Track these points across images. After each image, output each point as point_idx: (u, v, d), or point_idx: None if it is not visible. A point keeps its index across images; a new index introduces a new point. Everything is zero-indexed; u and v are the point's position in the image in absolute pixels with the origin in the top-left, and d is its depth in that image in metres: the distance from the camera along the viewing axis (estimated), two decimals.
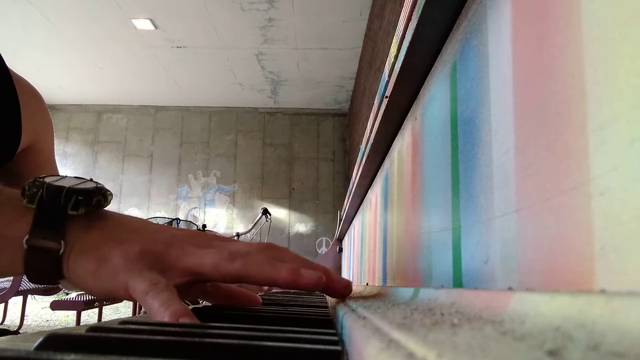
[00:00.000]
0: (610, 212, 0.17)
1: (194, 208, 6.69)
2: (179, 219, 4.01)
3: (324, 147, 6.77)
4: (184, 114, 6.94)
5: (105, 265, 0.34)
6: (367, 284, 0.91)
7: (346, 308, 0.36)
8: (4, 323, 3.77)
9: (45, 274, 0.34)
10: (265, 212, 4.04)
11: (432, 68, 0.46)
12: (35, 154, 0.66)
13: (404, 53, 0.45)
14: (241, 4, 4.40)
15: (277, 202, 6.60)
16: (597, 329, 0.13)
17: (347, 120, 6.81)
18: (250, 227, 4.16)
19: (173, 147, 6.86)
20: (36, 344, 0.22)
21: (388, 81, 0.54)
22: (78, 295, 3.13)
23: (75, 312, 3.02)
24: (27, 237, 0.33)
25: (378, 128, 0.65)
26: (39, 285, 3.18)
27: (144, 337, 0.23)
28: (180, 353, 0.22)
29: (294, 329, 0.30)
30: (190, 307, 0.53)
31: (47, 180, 0.35)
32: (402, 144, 0.61)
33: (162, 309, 0.32)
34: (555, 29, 0.22)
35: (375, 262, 0.86)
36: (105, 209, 0.38)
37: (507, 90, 0.27)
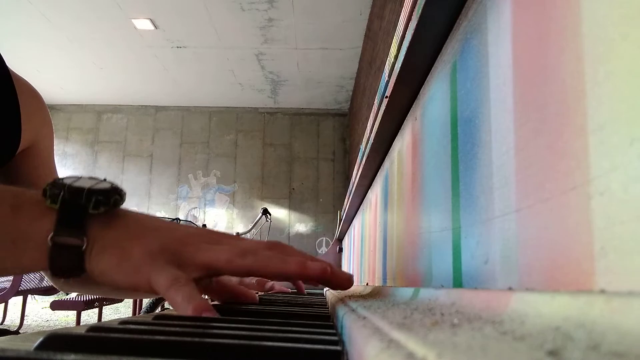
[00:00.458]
0: (610, 212, 0.17)
1: (194, 208, 6.69)
2: (179, 219, 4.01)
3: (324, 147, 6.76)
4: (184, 114, 6.94)
5: (128, 259, 0.37)
6: (367, 284, 0.91)
7: (346, 308, 0.36)
8: (4, 323, 3.77)
9: (68, 268, 0.36)
10: (265, 212, 4.04)
11: (432, 68, 0.46)
12: (34, 154, 0.66)
13: (404, 53, 0.45)
14: (241, 4, 4.40)
15: (277, 202, 6.60)
16: (597, 329, 0.13)
17: (347, 120, 6.81)
18: (250, 227, 4.16)
19: (173, 147, 6.85)
20: (36, 344, 0.22)
21: (388, 81, 0.54)
22: (78, 295, 3.13)
23: (75, 312, 3.02)
24: (51, 234, 0.35)
25: (378, 128, 0.65)
26: (39, 285, 3.18)
27: (144, 337, 0.23)
28: (180, 353, 0.22)
29: (294, 329, 0.30)
30: None
31: (67, 181, 0.38)
32: (402, 144, 0.61)
33: (185, 303, 0.35)
34: (555, 29, 0.22)
35: (375, 262, 0.86)
36: (121, 207, 0.40)
37: (507, 90, 0.27)
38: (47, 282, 2.99)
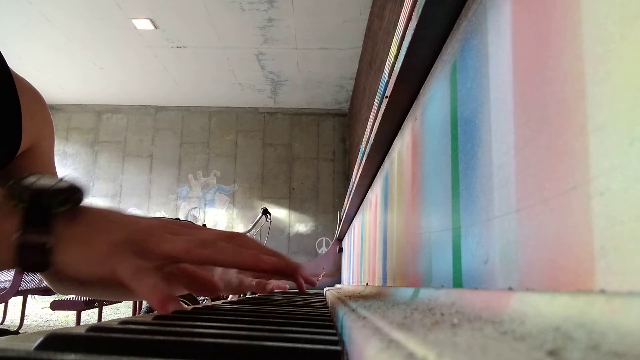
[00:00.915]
0: (610, 212, 0.17)
1: (194, 208, 6.69)
2: (179, 219, 4.01)
3: (324, 147, 6.76)
4: (184, 114, 6.94)
5: (92, 252, 0.39)
6: (367, 284, 0.91)
7: (346, 308, 0.36)
8: (4, 323, 3.77)
9: (36, 265, 0.38)
10: (265, 212, 4.04)
11: (432, 68, 0.46)
12: (35, 156, 0.66)
13: (404, 53, 0.45)
14: (241, 4, 4.40)
15: (277, 202, 6.60)
16: (597, 329, 0.13)
17: (347, 120, 6.81)
18: (250, 227, 4.16)
19: (173, 147, 6.85)
20: (36, 344, 0.22)
21: (388, 81, 0.54)
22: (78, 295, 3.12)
23: (75, 312, 3.02)
24: (18, 233, 0.37)
25: (378, 128, 0.65)
26: (39, 285, 3.18)
27: (144, 337, 0.23)
28: (180, 353, 0.22)
29: (294, 329, 0.30)
30: (191, 307, 0.53)
31: (30, 181, 0.39)
32: (402, 144, 0.61)
33: (150, 294, 0.37)
34: (555, 29, 0.22)
35: (375, 262, 0.86)
36: (82, 204, 0.42)
37: (507, 90, 0.27)
38: None
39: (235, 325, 0.31)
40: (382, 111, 0.60)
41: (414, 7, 0.40)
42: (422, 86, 0.50)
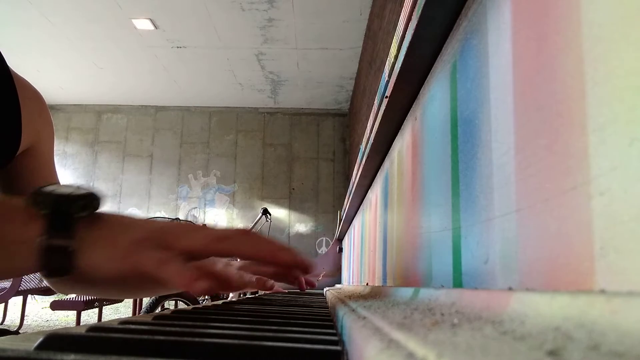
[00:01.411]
0: (610, 212, 0.17)
1: (194, 208, 6.69)
2: (179, 219, 4.01)
3: (324, 147, 6.76)
4: (184, 114, 6.94)
5: (116, 250, 0.40)
6: (367, 284, 0.91)
7: (346, 308, 0.36)
8: (4, 323, 3.77)
9: (59, 268, 0.39)
10: (265, 212, 4.04)
11: (432, 68, 0.46)
12: (34, 156, 0.66)
13: (404, 53, 0.45)
14: (241, 4, 4.40)
15: (277, 202, 6.60)
16: (597, 329, 0.13)
17: (347, 120, 6.81)
18: (251, 227, 4.15)
19: (173, 147, 6.85)
20: (36, 344, 0.22)
21: (388, 81, 0.54)
22: (78, 295, 3.13)
23: (75, 312, 3.02)
24: (42, 238, 0.38)
25: (378, 128, 0.65)
26: (39, 285, 3.18)
27: (144, 337, 0.23)
28: (180, 353, 0.22)
29: (294, 329, 0.30)
30: (191, 307, 0.53)
31: (50, 189, 0.41)
32: (402, 144, 0.61)
33: (177, 276, 0.38)
34: (555, 29, 0.22)
35: (375, 262, 0.86)
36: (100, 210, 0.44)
37: (507, 90, 0.27)
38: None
39: (235, 325, 0.31)
40: (382, 111, 0.60)
41: (414, 7, 0.40)
42: (422, 86, 0.50)
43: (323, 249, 6.34)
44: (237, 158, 6.79)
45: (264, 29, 4.83)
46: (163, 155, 6.84)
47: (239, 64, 5.60)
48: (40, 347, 0.22)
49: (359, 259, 1.20)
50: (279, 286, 0.97)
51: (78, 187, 0.43)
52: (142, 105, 6.98)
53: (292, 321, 0.36)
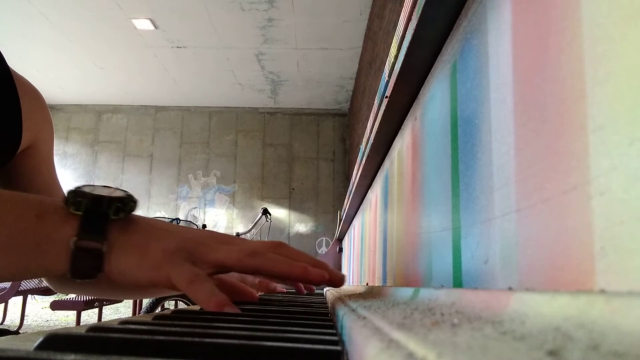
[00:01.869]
0: (610, 212, 0.17)
1: (194, 208, 6.69)
2: (179, 219, 4.01)
3: (324, 147, 6.76)
4: (184, 114, 6.94)
5: (147, 258, 0.40)
6: (367, 284, 0.91)
7: (346, 308, 0.36)
8: (4, 323, 3.77)
9: (89, 270, 0.39)
10: (265, 212, 4.04)
11: (432, 68, 0.46)
12: (34, 154, 0.66)
13: (404, 53, 0.45)
14: (241, 4, 4.40)
15: (277, 202, 6.60)
16: (597, 329, 0.13)
17: (347, 120, 6.81)
18: (250, 227, 4.15)
19: (173, 147, 6.85)
20: (36, 344, 0.22)
21: (388, 81, 0.54)
22: (78, 295, 3.13)
23: (75, 312, 3.02)
24: (74, 239, 0.38)
25: (378, 128, 0.65)
26: (39, 285, 3.18)
27: (144, 337, 0.23)
28: (180, 353, 0.22)
29: (294, 329, 0.30)
30: (191, 307, 0.53)
31: (87, 189, 0.41)
32: (402, 144, 0.61)
33: (207, 298, 0.38)
34: (555, 29, 0.22)
35: (375, 262, 0.86)
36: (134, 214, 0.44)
37: (507, 90, 0.27)
38: None
39: (235, 325, 0.31)
40: (382, 111, 0.60)
41: (414, 7, 0.40)
42: (422, 86, 0.50)
43: (323, 249, 6.34)
44: (237, 158, 6.79)
45: (264, 29, 4.83)
46: (163, 155, 6.84)
47: (239, 64, 5.60)
48: (40, 347, 0.22)
49: (359, 259, 1.20)
50: (279, 287, 0.98)
51: (115, 189, 0.43)
52: (142, 105, 6.98)
53: (292, 321, 0.36)
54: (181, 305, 3.43)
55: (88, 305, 2.96)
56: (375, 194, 0.92)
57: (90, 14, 4.65)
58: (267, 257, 0.43)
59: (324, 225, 6.51)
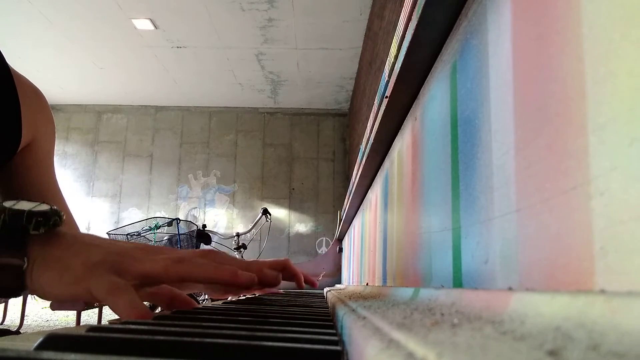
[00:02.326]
0: (610, 212, 0.17)
1: (194, 208, 6.69)
2: (178, 219, 4.00)
3: (324, 147, 6.76)
4: (184, 114, 6.94)
5: (68, 273, 0.39)
6: (367, 284, 0.91)
7: (346, 308, 0.36)
8: (4, 323, 3.77)
9: (10, 288, 0.38)
10: (265, 212, 4.03)
11: (432, 68, 0.46)
12: (32, 153, 0.66)
13: (404, 53, 0.45)
14: (241, 4, 4.40)
15: (277, 202, 6.59)
16: (597, 329, 0.13)
17: (347, 120, 6.81)
18: (250, 227, 4.15)
19: (173, 147, 6.85)
20: (36, 344, 0.22)
21: (388, 81, 0.54)
22: None
23: (75, 312, 3.02)
24: None
25: (378, 128, 0.65)
26: None
27: (144, 337, 0.23)
28: (180, 353, 0.22)
29: (294, 329, 0.30)
30: (191, 307, 0.53)
31: (7, 205, 0.39)
32: (402, 144, 0.61)
33: (128, 309, 0.36)
34: (555, 29, 0.22)
35: (375, 262, 0.86)
36: (59, 227, 0.42)
37: (507, 90, 0.27)
38: None
39: (235, 325, 0.31)
40: (382, 111, 0.60)
41: (414, 8, 0.40)
42: (422, 86, 0.50)
43: (323, 249, 6.34)
44: (237, 158, 6.79)
45: (264, 29, 4.83)
46: (163, 155, 6.84)
47: (239, 64, 5.60)
48: (40, 347, 0.22)
49: (359, 259, 1.20)
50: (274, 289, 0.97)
51: (40, 204, 0.41)
52: (142, 105, 6.98)
53: (292, 321, 0.36)
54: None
55: (88, 305, 2.96)
56: (375, 194, 0.92)
57: (90, 14, 4.65)
58: (194, 262, 0.42)
59: (324, 225, 6.51)
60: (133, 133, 6.93)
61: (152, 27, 4.87)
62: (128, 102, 6.92)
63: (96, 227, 6.53)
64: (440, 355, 0.12)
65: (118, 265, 0.40)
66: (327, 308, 0.58)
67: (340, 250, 2.01)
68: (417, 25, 0.40)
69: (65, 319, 4.24)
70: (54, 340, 0.22)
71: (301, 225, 6.56)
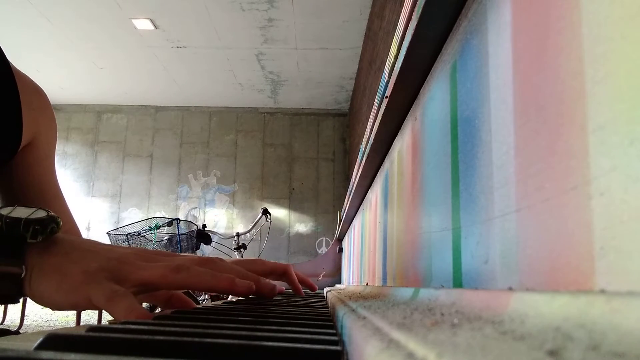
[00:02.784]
0: (610, 212, 0.17)
1: (194, 208, 6.69)
2: (179, 219, 4.00)
3: (324, 147, 6.76)
4: (184, 114, 6.94)
5: (66, 281, 0.39)
6: (367, 284, 0.91)
7: (346, 308, 0.36)
8: (4, 323, 3.77)
9: (8, 296, 0.38)
10: (265, 212, 4.03)
11: (432, 68, 0.46)
12: (32, 152, 0.66)
13: (404, 53, 0.45)
14: (241, 4, 4.40)
15: (277, 202, 6.59)
16: (597, 329, 0.13)
17: (347, 120, 6.81)
18: (250, 227, 4.15)
19: (173, 147, 6.85)
20: (36, 344, 0.22)
21: (388, 81, 0.54)
22: None
23: (75, 312, 3.02)
24: None
25: (378, 128, 0.65)
26: None
27: (144, 337, 0.23)
28: (180, 353, 0.22)
29: (294, 329, 0.30)
30: (191, 307, 0.53)
31: (3, 212, 0.39)
32: (402, 144, 0.61)
33: (127, 315, 0.36)
34: (555, 29, 0.22)
35: (375, 262, 0.86)
36: (57, 234, 0.42)
37: (507, 90, 0.27)
38: None
39: (235, 325, 0.31)
40: (382, 111, 0.60)
41: (414, 7, 0.40)
42: (422, 86, 0.50)
43: (323, 249, 6.34)
44: (237, 158, 6.79)
45: (264, 29, 4.83)
46: (163, 155, 6.84)
47: (239, 64, 5.60)
48: (40, 347, 0.22)
49: (359, 259, 1.20)
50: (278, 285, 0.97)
51: (36, 210, 0.41)
52: (142, 105, 6.98)
53: (292, 321, 0.36)
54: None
55: None
56: (375, 194, 0.92)
57: (90, 14, 4.65)
58: (192, 271, 0.42)
59: (324, 225, 6.51)
60: (133, 133, 6.93)
61: (152, 27, 4.87)
62: (128, 102, 6.92)
63: (96, 227, 6.53)
64: (440, 355, 0.12)
65: (117, 273, 0.40)
66: (327, 308, 0.58)
67: (340, 250, 2.01)
68: (417, 25, 0.40)
69: (65, 319, 4.24)
70: (54, 340, 0.22)
71: (301, 225, 6.56)
